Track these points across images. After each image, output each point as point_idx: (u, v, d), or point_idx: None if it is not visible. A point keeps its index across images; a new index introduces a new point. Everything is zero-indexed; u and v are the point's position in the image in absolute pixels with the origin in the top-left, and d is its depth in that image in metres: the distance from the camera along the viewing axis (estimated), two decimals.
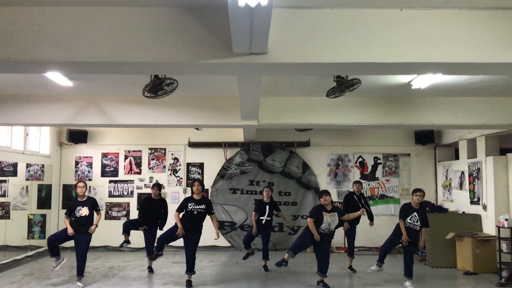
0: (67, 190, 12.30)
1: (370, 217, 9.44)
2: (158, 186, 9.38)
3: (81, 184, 8.23)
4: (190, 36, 4.32)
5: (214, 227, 8.20)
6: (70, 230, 8.02)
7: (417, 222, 8.13)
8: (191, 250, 8.14)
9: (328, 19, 4.37)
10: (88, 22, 4.31)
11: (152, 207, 9.16)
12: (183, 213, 8.12)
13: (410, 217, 8.18)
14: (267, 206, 9.48)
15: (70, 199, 12.06)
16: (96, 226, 8.23)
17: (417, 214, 8.15)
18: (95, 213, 8.25)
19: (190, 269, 8.17)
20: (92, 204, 8.25)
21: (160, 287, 8.23)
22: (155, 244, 8.62)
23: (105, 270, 9.62)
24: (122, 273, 9.31)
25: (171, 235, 8.13)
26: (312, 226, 7.92)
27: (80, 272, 8.16)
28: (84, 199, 8.23)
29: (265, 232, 9.55)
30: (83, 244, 8.14)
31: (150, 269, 9.41)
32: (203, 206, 8.10)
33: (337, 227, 8.21)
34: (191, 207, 8.07)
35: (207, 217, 8.20)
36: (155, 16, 4.33)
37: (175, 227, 8.10)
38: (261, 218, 9.45)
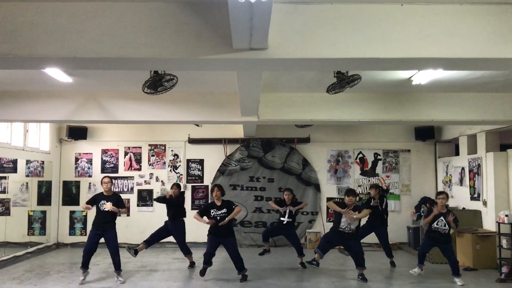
0: (67, 186, 12.30)
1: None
2: (177, 185, 9.59)
3: (106, 179, 8.23)
4: (189, 32, 4.31)
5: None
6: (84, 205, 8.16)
7: (444, 226, 8.18)
8: (232, 253, 8.31)
9: (329, 14, 4.35)
10: (87, 17, 4.29)
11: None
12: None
13: (436, 221, 8.24)
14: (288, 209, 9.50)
15: (70, 196, 12.15)
16: (117, 210, 8.16)
17: (444, 218, 8.20)
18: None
19: (240, 268, 8.34)
20: (117, 201, 8.21)
21: (162, 283, 8.22)
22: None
23: (105, 266, 9.60)
24: (122, 269, 9.29)
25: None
26: (334, 205, 8.31)
27: (117, 267, 8.23)
28: (110, 194, 8.23)
29: (287, 232, 9.62)
30: (112, 240, 8.17)
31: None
32: (224, 211, 8.13)
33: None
34: (213, 214, 8.14)
35: None
36: (155, 12, 4.31)
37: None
38: (281, 219, 9.57)
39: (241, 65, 4.81)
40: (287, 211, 9.46)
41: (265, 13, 3.55)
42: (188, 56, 4.36)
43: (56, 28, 4.28)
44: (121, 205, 8.29)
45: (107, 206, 8.02)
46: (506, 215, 8.84)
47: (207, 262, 8.38)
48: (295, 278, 8.53)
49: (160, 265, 9.72)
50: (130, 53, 4.32)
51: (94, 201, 8.20)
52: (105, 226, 8.09)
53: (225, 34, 4.22)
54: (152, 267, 9.56)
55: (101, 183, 8.30)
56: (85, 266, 8.13)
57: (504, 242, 8.90)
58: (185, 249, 9.42)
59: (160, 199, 9.69)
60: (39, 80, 7.67)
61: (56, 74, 6.94)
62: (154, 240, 9.40)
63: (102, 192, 8.28)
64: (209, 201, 12.26)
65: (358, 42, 4.34)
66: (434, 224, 8.23)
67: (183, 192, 10.25)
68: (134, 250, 9.07)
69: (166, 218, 9.43)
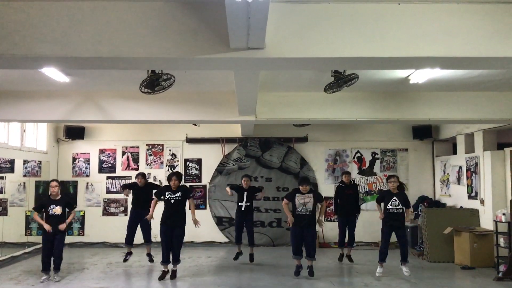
0: (65, 186, 12.27)
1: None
2: (142, 175, 9.66)
3: (53, 183, 8.30)
4: (187, 31, 4.30)
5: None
6: (47, 226, 8.07)
7: (398, 205, 8.41)
8: (176, 243, 8.33)
9: (326, 13, 4.34)
10: (84, 17, 4.27)
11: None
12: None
13: (390, 202, 8.44)
14: (246, 193, 9.66)
15: (68, 195, 12.12)
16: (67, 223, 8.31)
17: (397, 198, 8.43)
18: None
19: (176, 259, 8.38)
20: (65, 204, 8.31)
21: (158, 283, 8.21)
22: None
23: (103, 266, 9.61)
24: (119, 269, 9.30)
25: None
26: (286, 210, 8.57)
27: (57, 267, 8.26)
28: (58, 198, 8.27)
29: (246, 218, 9.70)
30: (59, 243, 8.19)
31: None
32: (179, 194, 8.22)
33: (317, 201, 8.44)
34: (168, 196, 8.21)
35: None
36: (152, 11, 4.30)
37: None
38: (239, 204, 9.69)
39: (238, 65, 4.80)
40: (245, 195, 9.60)
41: (262, 13, 3.54)
42: (185, 56, 4.35)
43: (53, 28, 4.26)
44: (70, 207, 8.40)
45: (56, 210, 8.12)
46: (504, 214, 8.86)
47: (165, 261, 8.33)
48: (292, 277, 8.51)
49: (157, 264, 9.69)
50: (127, 53, 4.31)
51: (42, 206, 8.27)
52: (55, 229, 8.10)
53: (222, 33, 4.21)
54: (150, 267, 9.53)
55: (49, 187, 8.38)
56: (46, 269, 8.18)
57: (501, 240, 8.91)
58: (148, 238, 9.50)
59: (126, 186, 9.85)
60: (36, 80, 7.65)
61: (53, 73, 6.92)
62: (132, 236, 9.54)
63: (49, 196, 8.33)
64: (205, 200, 12.30)
65: (356, 41, 4.34)
66: (389, 205, 8.44)
67: (151, 183, 10.20)
68: (149, 258, 9.53)
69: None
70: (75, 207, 8.51)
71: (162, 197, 8.31)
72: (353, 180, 10.45)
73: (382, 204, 8.68)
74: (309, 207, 8.24)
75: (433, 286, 7.97)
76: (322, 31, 4.33)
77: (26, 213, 10.77)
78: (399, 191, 8.55)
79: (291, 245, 8.65)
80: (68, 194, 8.73)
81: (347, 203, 9.76)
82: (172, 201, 8.17)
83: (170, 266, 8.38)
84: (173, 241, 8.24)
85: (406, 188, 9.80)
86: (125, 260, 9.57)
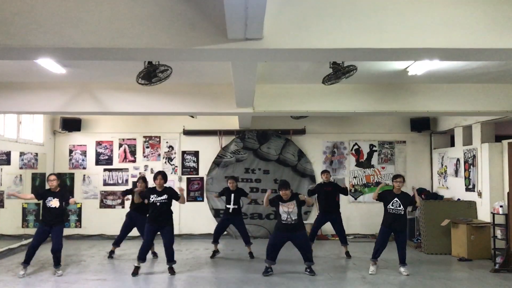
0: (61, 178, 12.22)
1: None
2: (143, 179, 9.49)
3: (52, 177, 8.26)
4: (184, 22, 4.25)
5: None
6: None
7: (399, 206, 8.19)
8: (167, 243, 8.26)
9: (324, 4, 4.30)
10: (81, 7, 4.22)
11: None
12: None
13: (391, 202, 8.25)
14: (233, 194, 9.61)
15: (64, 187, 12.09)
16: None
17: (399, 199, 8.22)
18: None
19: (170, 259, 8.28)
20: (62, 196, 8.25)
21: (155, 275, 8.21)
22: None
23: (100, 258, 9.61)
24: (117, 262, 9.31)
25: None
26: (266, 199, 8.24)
27: (58, 262, 8.23)
28: (57, 190, 8.23)
29: (236, 220, 9.69)
30: (57, 235, 8.14)
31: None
32: (165, 197, 8.12)
33: (301, 205, 8.13)
34: (152, 199, 8.12)
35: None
36: (149, 2, 4.24)
37: None
38: (227, 206, 9.64)
39: (236, 56, 4.76)
40: (232, 197, 9.56)
41: (260, 3, 3.49)
42: (182, 46, 4.31)
43: (48, 18, 4.21)
44: (66, 202, 8.35)
45: (53, 202, 8.07)
46: (501, 206, 8.89)
47: (142, 258, 8.18)
48: (291, 269, 8.51)
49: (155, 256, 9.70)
50: (124, 43, 4.26)
51: (41, 196, 8.25)
52: (52, 221, 8.07)
53: (219, 24, 4.17)
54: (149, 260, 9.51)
55: (47, 180, 8.32)
56: (28, 262, 8.11)
57: (498, 232, 8.95)
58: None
59: (126, 192, 9.74)
60: (32, 71, 7.58)
61: (49, 65, 6.85)
62: (122, 238, 9.58)
63: (49, 189, 8.29)
64: (203, 192, 12.29)
65: (354, 32, 4.30)
66: (390, 205, 8.25)
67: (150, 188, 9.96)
68: (154, 256, 9.55)
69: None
70: (71, 198, 8.40)
71: (147, 200, 8.26)
72: (334, 180, 10.41)
73: (383, 204, 8.47)
74: (293, 216, 7.96)
75: (430, 278, 7.99)
76: (320, 22, 4.29)
77: (22, 205, 10.75)
78: (401, 192, 8.34)
79: (267, 246, 8.29)
80: (66, 188, 8.62)
81: (325, 199, 9.72)
82: (158, 204, 8.08)
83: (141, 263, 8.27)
84: (163, 241, 8.21)
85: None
86: (110, 257, 9.57)
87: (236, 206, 9.61)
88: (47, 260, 8.90)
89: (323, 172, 10.06)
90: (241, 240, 9.89)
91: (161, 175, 8.23)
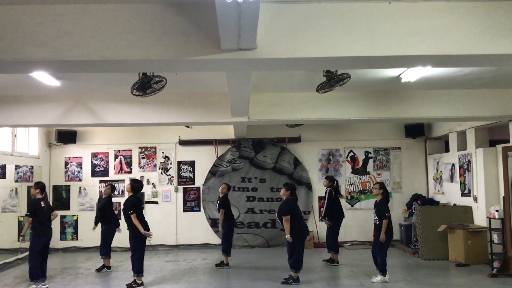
0: (57, 191, 12.21)
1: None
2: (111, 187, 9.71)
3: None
4: (177, 33, 4.28)
5: None
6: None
7: (374, 216, 8.21)
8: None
9: (317, 13, 4.34)
10: (74, 20, 4.24)
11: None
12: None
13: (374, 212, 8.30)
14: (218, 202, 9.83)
15: (61, 200, 12.07)
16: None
17: (375, 207, 8.22)
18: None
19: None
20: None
21: (154, 287, 8.18)
22: None
23: (97, 267, 9.54)
24: (113, 274, 9.25)
25: None
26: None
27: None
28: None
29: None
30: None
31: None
32: None
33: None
34: None
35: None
36: (142, 13, 4.27)
37: None
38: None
39: (230, 66, 4.79)
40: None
41: (253, 13, 3.53)
42: (176, 57, 4.33)
43: (42, 31, 4.23)
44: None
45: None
46: (497, 210, 8.91)
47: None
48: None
49: (151, 267, 9.65)
50: (118, 55, 4.28)
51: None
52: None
53: (213, 34, 4.19)
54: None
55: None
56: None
57: (495, 237, 8.96)
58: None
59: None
60: (26, 84, 7.58)
61: (44, 77, 6.86)
62: (109, 249, 9.56)
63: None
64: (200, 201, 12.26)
65: (347, 41, 4.34)
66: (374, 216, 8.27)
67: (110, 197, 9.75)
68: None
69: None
70: (28, 214, 8.26)
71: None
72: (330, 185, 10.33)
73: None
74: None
75: (428, 284, 7.99)
76: (313, 31, 4.33)
77: (18, 219, 10.67)
78: (381, 198, 8.23)
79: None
80: (31, 199, 8.59)
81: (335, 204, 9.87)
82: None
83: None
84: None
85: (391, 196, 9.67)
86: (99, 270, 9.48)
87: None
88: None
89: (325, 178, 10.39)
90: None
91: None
